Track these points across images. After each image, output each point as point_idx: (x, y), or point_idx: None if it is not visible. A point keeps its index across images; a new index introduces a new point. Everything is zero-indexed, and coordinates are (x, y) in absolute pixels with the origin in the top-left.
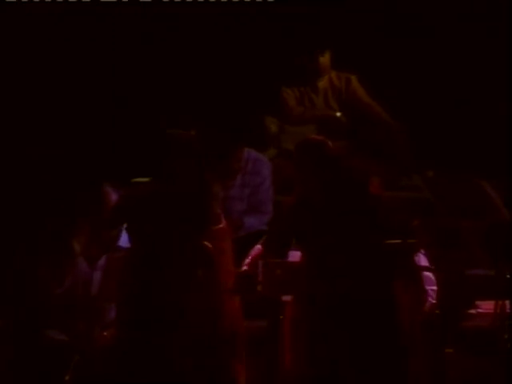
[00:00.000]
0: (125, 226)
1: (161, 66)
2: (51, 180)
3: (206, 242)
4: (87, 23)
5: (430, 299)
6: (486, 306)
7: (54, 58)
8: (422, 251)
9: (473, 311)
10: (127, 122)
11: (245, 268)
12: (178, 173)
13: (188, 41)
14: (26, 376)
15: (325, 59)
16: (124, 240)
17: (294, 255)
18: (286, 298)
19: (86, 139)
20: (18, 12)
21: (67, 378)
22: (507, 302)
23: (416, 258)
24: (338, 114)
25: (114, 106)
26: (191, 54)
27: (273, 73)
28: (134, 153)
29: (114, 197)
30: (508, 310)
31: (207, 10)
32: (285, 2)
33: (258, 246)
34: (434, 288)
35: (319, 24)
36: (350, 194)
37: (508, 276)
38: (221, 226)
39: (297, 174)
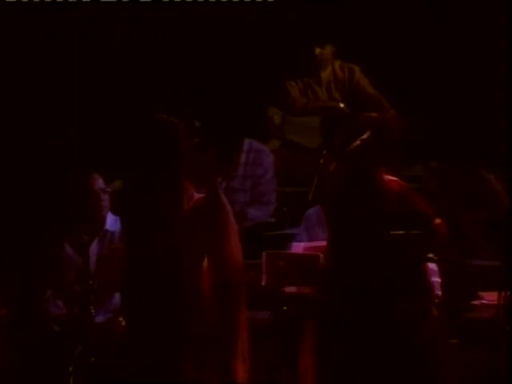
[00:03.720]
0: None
1: (164, 61)
2: (47, 181)
3: None
4: (87, 23)
5: (436, 291)
6: (489, 297)
7: (54, 57)
8: None
9: (476, 302)
10: (128, 119)
11: None
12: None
13: (191, 38)
14: (28, 369)
15: (325, 51)
16: (110, 222)
17: (297, 247)
18: (289, 289)
19: (86, 139)
20: (18, 12)
21: (71, 369)
22: (510, 293)
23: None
24: (342, 105)
25: (115, 103)
26: (195, 50)
27: (276, 64)
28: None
29: (100, 182)
30: (510, 302)
31: (208, 10)
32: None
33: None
34: (439, 280)
35: (321, 18)
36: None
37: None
38: None
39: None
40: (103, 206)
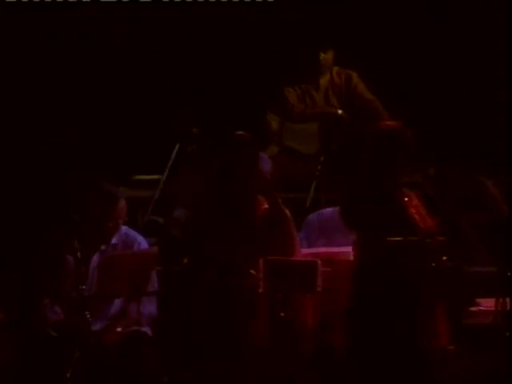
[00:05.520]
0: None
1: (164, 61)
2: (48, 181)
3: None
4: (87, 23)
5: None
6: (487, 304)
7: (54, 57)
8: None
9: (474, 309)
10: (128, 121)
11: None
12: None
13: (191, 38)
14: (26, 374)
15: (327, 56)
16: (116, 237)
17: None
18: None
19: (86, 139)
20: (18, 12)
21: (68, 375)
22: (508, 300)
23: None
24: (340, 111)
25: (115, 103)
26: (195, 50)
27: (275, 67)
28: (134, 150)
29: (122, 203)
30: (509, 308)
31: (208, 10)
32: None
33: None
34: None
35: (322, 22)
36: None
37: (509, 273)
38: None
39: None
40: (119, 230)
